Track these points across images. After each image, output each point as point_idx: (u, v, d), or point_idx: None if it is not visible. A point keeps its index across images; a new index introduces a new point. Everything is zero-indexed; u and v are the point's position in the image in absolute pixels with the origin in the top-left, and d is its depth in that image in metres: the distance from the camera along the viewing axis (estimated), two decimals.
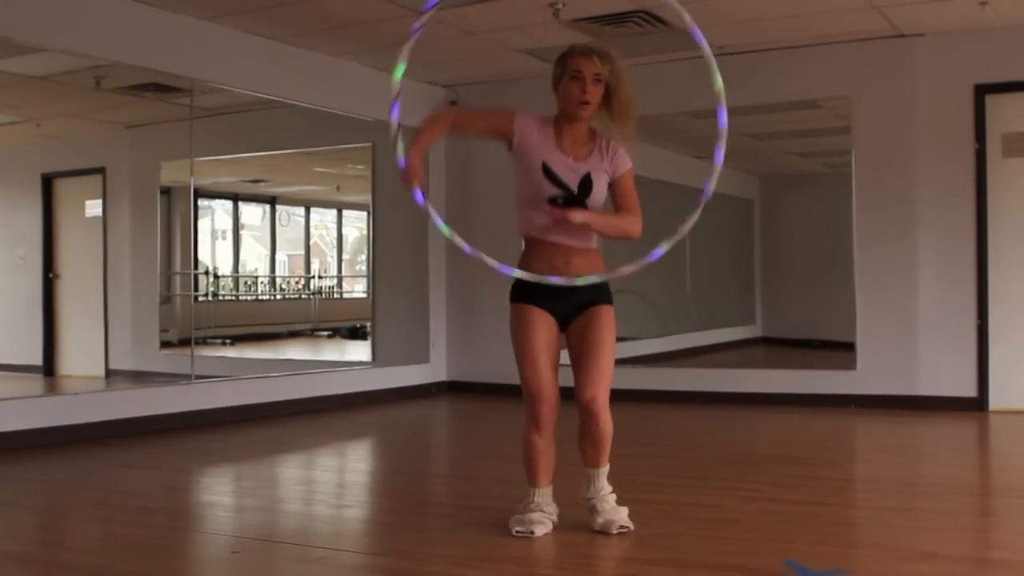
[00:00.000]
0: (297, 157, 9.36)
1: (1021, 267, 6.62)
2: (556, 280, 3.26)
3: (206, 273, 9.26)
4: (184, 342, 7.55)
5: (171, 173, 8.11)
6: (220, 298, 9.66)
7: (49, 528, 3.92)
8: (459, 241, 3.23)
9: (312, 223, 11.08)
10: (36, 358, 8.29)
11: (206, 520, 4.01)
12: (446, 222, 3.23)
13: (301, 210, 10.91)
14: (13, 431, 5.41)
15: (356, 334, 9.76)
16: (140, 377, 7.93)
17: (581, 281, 3.26)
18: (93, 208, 8.23)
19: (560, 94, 3.40)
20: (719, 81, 3.06)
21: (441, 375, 8.33)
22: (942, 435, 6.01)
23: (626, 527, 3.39)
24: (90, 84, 6.99)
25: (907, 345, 6.80)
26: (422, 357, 8.19)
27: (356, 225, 11.14)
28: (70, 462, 5.16)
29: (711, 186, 3.10)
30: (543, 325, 3.39)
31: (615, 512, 3.41)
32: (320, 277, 11.29)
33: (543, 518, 3.42)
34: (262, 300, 10.53)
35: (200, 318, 8.69)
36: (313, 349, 10.61)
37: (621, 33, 6.61)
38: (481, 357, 8.12)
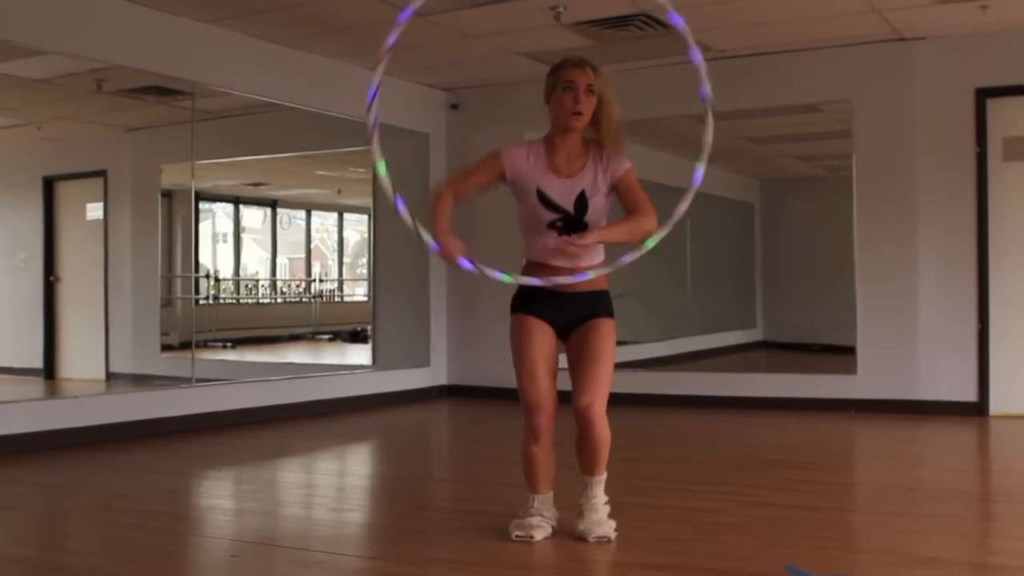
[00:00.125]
0: (298, 160, 9.36)
1: (1022, 271, 6.62)
2: (540, 281, 3.23)
3: (207, 276, 9.26)
4: (185, 345, 7.56)
5: (172, 176, 8.12)
6: (221, 301, 9.67)
7: (49, 531, 3.92)
8: (521, 279, 3.28)
9: (313, 226, 11.10)
10: (37, 361, 8.29)
11: (206, 524, 4.01)
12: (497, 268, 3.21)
13: (302, 213, 10.93)
14: (13, 434, 5.41)
15: (357, 337, 9.77)
16: (141, 380, 7.93)
17: (568, 281, 3.22)
18: (94, 211, 8.24)
19: (552, 106, 3.39)
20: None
21: (441, 379, 8.33)
22: (942, 440, 6.01)
23: (603, 537, 3.36)
24: (91, 87, 7.00)
25: (908, 349, 6.79)
26: (423, 361, 8.19)
27: (357, 228, 11.16)
28: (70, 465, 5.16)
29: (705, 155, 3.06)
30: (542, 336, 3.39)
31: (599, 524, 3.38)
32: (321, 280, 11.30)
33: (542, 522, 3.42)
34: (263, 303, 10.54)
35: (201, 321, 8.69)
36: (314, 353, 10.62)
37: (622, 37, 6.62)
38: (481, 361, 8.12)
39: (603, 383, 3.34)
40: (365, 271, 10.25)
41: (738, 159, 10.23)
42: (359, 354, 9.40)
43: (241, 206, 10.06)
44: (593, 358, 3.34)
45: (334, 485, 5.02)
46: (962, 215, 6.68)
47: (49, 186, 8.42)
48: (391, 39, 3.19)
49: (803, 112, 7.76)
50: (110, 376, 8.01)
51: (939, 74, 6.75)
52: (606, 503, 3.44)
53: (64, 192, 8.45)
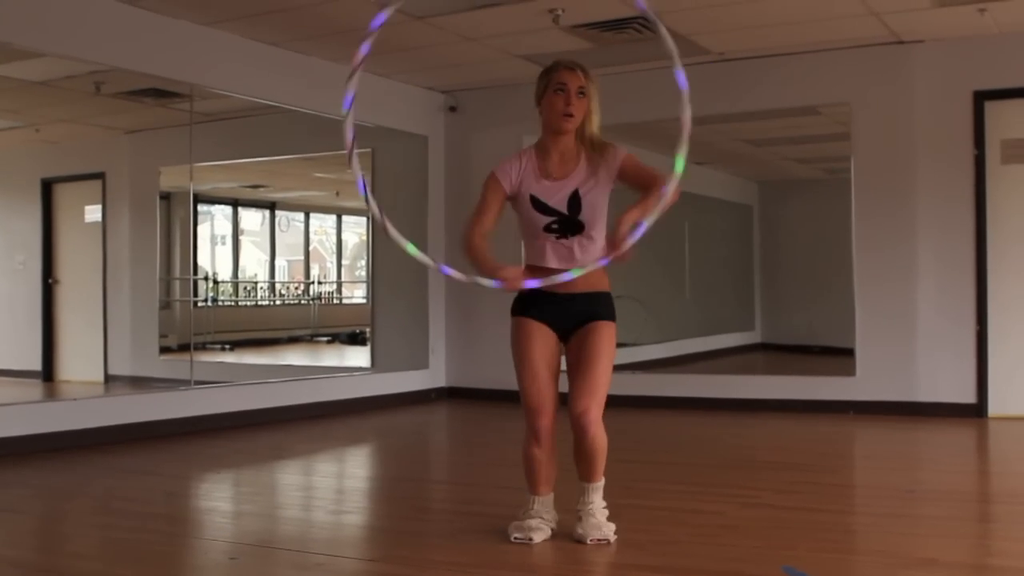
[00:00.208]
0: (297, 162, 9.36)
1: (1020, 273, 6.62)
2: (537, 282, 3.21)
3: (205, 278, 9.26)
4: (183, 347, 7.55)
5: (171, 178, 8.12)
6: (219, 303, 9.66)
7: (48, 534, 3.91)
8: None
9: (312, 228, 11.09)
10: (35, 363, 8.29)
11: (205, 526, 4.01)
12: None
13: (301, 215, 10.92)
14: (12, 436, 5.40)
15: (355, 340, 9.77)
16: (139, 382, 7.93)
17: (567, 277, 3.14)
18: (93, 213, 8.24)
19: (544, 108, 3.40)
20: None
21: (440, 381, 8.33)
22: (941, 441, 6.01)
23: (603, 539, 3.35)
24: (90, 89, 7.00)
25: (906, 351, 6.80)
26: (421, 363, 8.19)
27: (355, 231, 11.16)
28: (69, 468, 5.15)
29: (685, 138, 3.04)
30: (542, 338, 3.40)
31: (598, 527, 3.37)
32: (319, 282, 11.29)
33: (542, 524, 3.42)
34: (261, 305, 10.54)
35: (199, 323, 8.69)
36: (312, 355, 10.61)
37: (620, 39, 6.62)
38: (480, 363, 8.12)
39: (599, 389, 3.33)
40: (364, 273, 10.24)
41: (737, 161, 10.24)
42: (358, 356, 9.39)
43: (240, 208, 10.05)
44: (589, 362, 3.34)
45: (333, 487, 5.01)
46: (961, 217, 6.69)
47: (48, 188, 8.42)
48: (364, 48, 3.17)
49: (802, 115, 7.76)
50: (109, 378, 8.01)
51: (937, 77, 6.75)
52: (604, 508, 3.43)
53: (63, 194, 8.45)
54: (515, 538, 3.38)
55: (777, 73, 7.15)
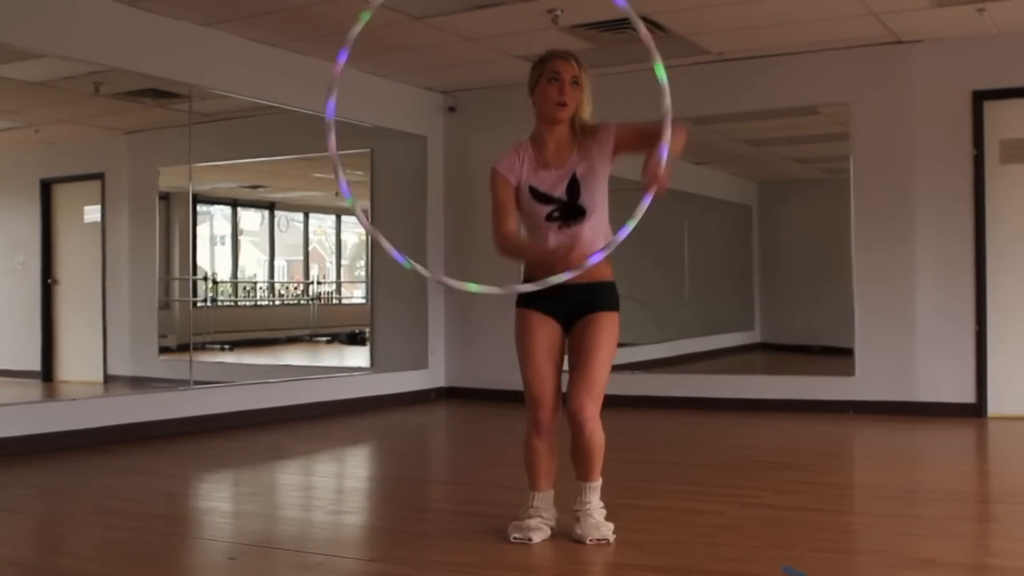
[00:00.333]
0: (296, 163, 9.36)
1: (1020, 273, 6.63)
2: (535, 286, 3.20)
3: (205, 279, 9.25)
4: (183, 348, 7.54)
5: (170, 179, 8.12)
6: (219, 304, 9.66)
7: (47, 534, 3.92)
8: (521, 287, 3.23)
9: (311, 229, 11.09)
10: (35, 363, 8.28)
11: (204, 526, 4.01)
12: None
13: (300, 216, 10.92)
14: (12, 437, 5.40)
15: (355, 340, 9.76)
16: (138, 383, 7.93)
17: (555, 281, 3.09)
18: (92, 214, 8.23)
19: (537, 97, 3.40)
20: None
21: (440, 381, 8.33)
22: (941, 441, 6.01)
23: (602, 539, 3.35)
24: (89, 90, 6.99)
25: (906, 351, 6.80)
26: (421, 363, 8.19)
27: (355, 231, 11.15)
28: (68, 468, 5.15)
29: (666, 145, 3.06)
30: (544, 329, 3.40)
31: (596, 528, 3.37)
32: (319, 283, 11.29)
33: (541, 524, 3.42)
34: (261, 306, 10.53)
35: (199, 324, 8.69)
36: (312, 355, 10.61)
37: (619, 39, 6.62)
38: (480, 363, 8.12)
39: (595, 385, 3.32)
40: (363, 273, 10.25)
41: (736, 162, 10.24)
42: (357, 356, 9.39)
43: (239, 208, 10.05)
44: (587, 357, 3.33)
45: (332, 487, 5.01)
46: (960, 217, 6.69)
47: (47, 189, 8.42)
48: (342, 56, 3.20)
49: (801, 114, 7.76)
50: (108, 378, 8.01)
51: (936, 77, 6.75)
52: (602, 508, 3.43)
53: (62, 195, 8.44)
54: (514, 538, 3.38)
55: (776, 73, 7.15)
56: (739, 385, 7.50)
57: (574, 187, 3.35)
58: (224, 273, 9.99)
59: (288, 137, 8.24)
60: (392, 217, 8.18)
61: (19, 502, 4.38)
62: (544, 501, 3.46)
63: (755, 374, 8.65)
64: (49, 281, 8.35)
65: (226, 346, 9.14)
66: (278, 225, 10.55)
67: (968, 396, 6.63)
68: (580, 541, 3.35)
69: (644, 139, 3.28)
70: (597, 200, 3.36)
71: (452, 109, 8.28)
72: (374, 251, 8.42)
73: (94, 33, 5.82)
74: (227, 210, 9.89)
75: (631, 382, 7.41)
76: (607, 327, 3.37)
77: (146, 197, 8.19)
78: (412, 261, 3.08)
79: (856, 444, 6.14)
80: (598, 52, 6.79)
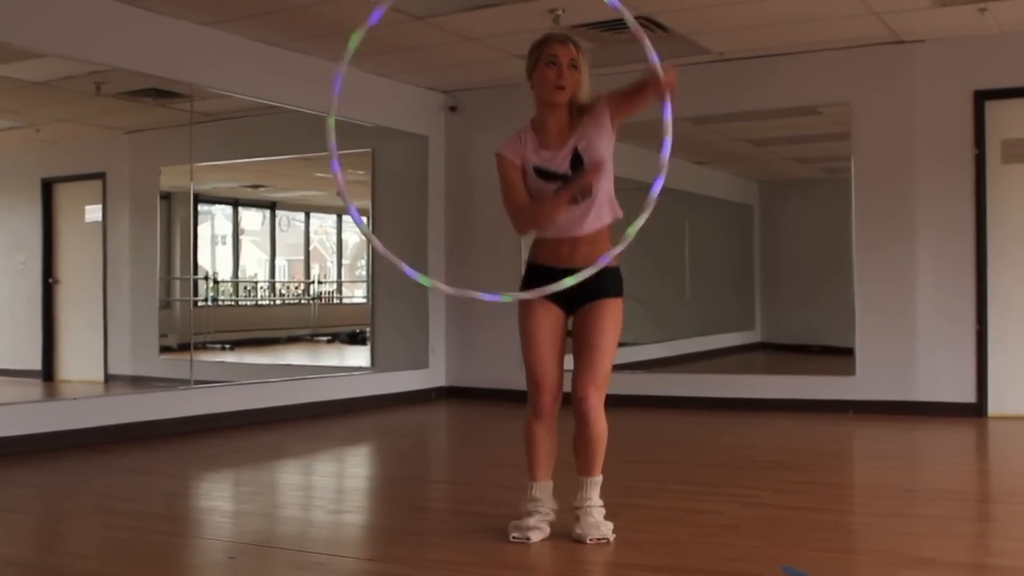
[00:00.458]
0: (297, 162, 9.36)
1: (1020, 272, 6.62)
2: (533, 292, 3.24)
3: (206, 278, 9.26)
4: (183, 347, 7.54)
5: (171, 178, 8.12)
6: (220, 303, 9.66)
7: (47, 533, 3.92)
8: (519, 294, 3.28)
9: (312, 228, 11.09)
10: (35, 363, 8.28)
11: (204, 525, 4.01)
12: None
13: (301, 215, 10.92)
14: (12, 436, 5.40)
15: (355, 339, 9.76)
16: (139, 382, 7.93)
17: (569, 281, 3.17)
18: (93, 213, 8.23)
19: (535, 81, 3.41)
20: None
21: (440, 380, 8.33)
22: (941, 441, 6.01)
23: (602, 538, 3.35)
24: (90, 89, 7.00)
25: (906, 351, 6.80)
26: (421, 362, 8.19)
27: (356, 230, 11.15)
28: (69, 467, 5.16)
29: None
30: (548, 315, 3.40)
31: (596, 526, 3.37)
32: (320, 282, 11.29)
33: (540, 523, 3.42)
34: (262, 305, 10.53)
35: (199, 323, 8.68)
36: (312, 354, 10.61)
37: (620, 39, 6.62)
38: (480, 362, 8.12)
39: (600, 373, 3.33)
40: (364, 273, 10.24)
41: (737, 161, 10.24)
42: (358, 356, 9.39)
43: (240, 208, 10.05)
44: (590, 345, 3.34)
45: (332, 487, 5.02)
46: (961, 217, 6.69)
47: (48, 188, 8.42)
48: (337, 79, 3.25)
49: (802, 114, 7.76)
50: (108, 378, 8.01)
51: (938, 77, 6.75)
52: (601, 506, 3.42)
53: (63, 194, 8.44)
54: (513, 537, 3.38)
55: (777, 73, 7.15)
56: (739, 385, 7.50)
57: (577, 161, 3.35)
58: (225, 273, 9.99)
59: (289, 137, 8.24)
60: (393, 217, 8.19)
61: (19, 501, 4.38)
62: (543, 491, 3.45)
63: (755, 374, 8.64)
64: (50, 281, 8.35)
65: (227, 345, 9.14)
66: (279, 225, 10.55)
67: (968, 396, 6.63)
68: (580, 540, 3.35)
69: (636, 92, 3.33)
70: (601, 175, 3.35)
71: (453, 109, 8.28)
72: (375, 251, 8.41)
73: (95, 32, 5.83)
74: (228, 210, 9.89)
75: (631, 382, 7.41)
76: (611, 313, 3.37)
77: (147, 197, 8.19)
78: (431, 279, 3.12)
79: (856, 444, 6.14)
80: (599, 52, 6.78)
